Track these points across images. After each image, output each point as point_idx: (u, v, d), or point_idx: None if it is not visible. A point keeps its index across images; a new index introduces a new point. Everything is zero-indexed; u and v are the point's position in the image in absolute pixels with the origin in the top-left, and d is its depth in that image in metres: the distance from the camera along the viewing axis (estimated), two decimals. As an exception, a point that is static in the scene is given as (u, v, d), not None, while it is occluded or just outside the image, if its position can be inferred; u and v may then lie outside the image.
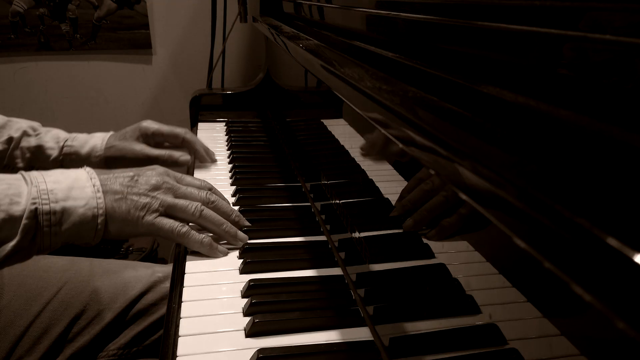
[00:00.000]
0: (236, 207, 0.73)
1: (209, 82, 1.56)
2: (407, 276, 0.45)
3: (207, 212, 0.61)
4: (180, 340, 0.47)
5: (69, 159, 0.83)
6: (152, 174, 0.61)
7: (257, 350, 0.45)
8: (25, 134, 0.83)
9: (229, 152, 0.99)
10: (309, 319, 0.49)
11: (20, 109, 1.66)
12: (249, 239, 0.65)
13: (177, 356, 0.45)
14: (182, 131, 0.88)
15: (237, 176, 0.85)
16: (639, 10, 0.22)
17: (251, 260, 0.59)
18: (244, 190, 0.79)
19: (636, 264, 0.16)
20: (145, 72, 1.69)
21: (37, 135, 0.83)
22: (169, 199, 0.60)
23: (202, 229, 0.63)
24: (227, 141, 1.07)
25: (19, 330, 0.64)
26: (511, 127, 0.29)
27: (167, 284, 0.65)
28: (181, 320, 0.49)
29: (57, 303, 0.67)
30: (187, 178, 0.65)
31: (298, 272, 0.58)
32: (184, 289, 0.55)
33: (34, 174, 0.55)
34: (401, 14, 0.47)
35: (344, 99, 0.52)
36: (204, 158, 0.91)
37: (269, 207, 0.74)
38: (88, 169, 0.59)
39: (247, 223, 0.67)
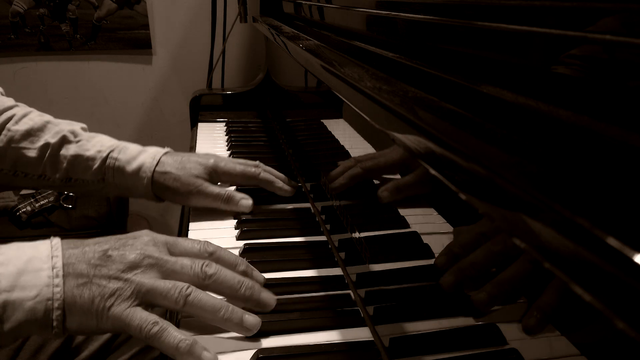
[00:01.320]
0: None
1: (209, 82, 1.56)
2: (407, 276, 0.45)
3: (196, 297, 0.46)
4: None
5: (112, 174, 0.70)
6: (132, 246, 0.47)
7: (257, 350, 0.45)
8: (64, 139, 0.70)
9: (229, 152, 0.99)
10: (309, 319, 0.49)
11: (20, 109, 1.66)
12: (249, 239, 0.65)
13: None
14: (256, 171, 0.73)
15: (237, 176, 0.85)
16: (639, 10, 0.22)
17: (251, 261, 0.59)
18: (244, 190, 0.79)
19: (636, 264, 0.16)
20: (145, 72, 1.69)
21: (77, 141, 0.71)
22: (148, 281, 0.45)
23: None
24: (227, 141, 1.07)
25: (15, 345, 0.63)
26: (511, 127, 0.29)
27: None
28: (181, 320, 0.49)
29: None
30: (183, 243, 0.51)
31: (298, 272, 0.58)
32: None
33: None
34: (401, 14, 0.47)
35: (344, 99, 0.52)
36: (287, 190, 0.75)
37: (269, 207, 0.74)
38: (55, 241, 0.46)
39: (269, 296, 0.50)
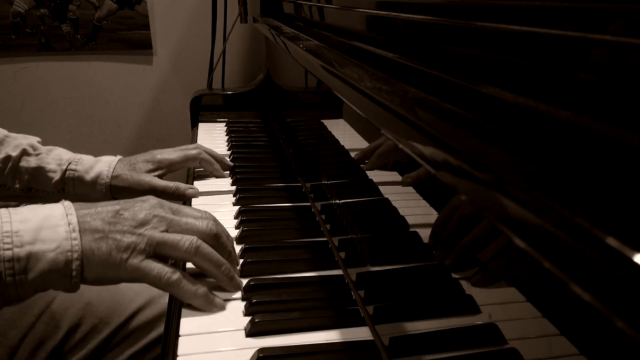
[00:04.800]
0: (236, 207, 0.73)
1: (209, 82, 1.56)
2: (407, 276, 0.45)
3: (205, 248, 0.52)
4: (180, 339, 0.47)
5: (72, 184, 0.77)
6: (141, 207, 0.52)
7: (257, 350, 0.45)
8: (24, 152, 0.76)
9: (229, 152, 0.99)
10: (309, 319, 0.49)
11: (21, 110, 1.67)
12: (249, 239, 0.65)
13: (177, 356, 0.45)
14: (196, 153, 0.84)
15: (238, 176, 0.85)
16: (639, 11, 0.22)
17: (251, 261, 0.59)
18: (244, 190, 0.79)
19: (636, 264, 0.16)
20: (145, 73, 1.69)
21: (37, 155, 0.77)
22: (158, 234, 0.50)
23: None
24: (227, 141, 1.07)
25: (14, 342, 0.63)
26: (511, 127, 0.29)
27: (166, 299, 0.59)
28: (181, 320, 0.50)
29: (51, 314, 0.65)
30: (186, 209, 0.56)
31: (298, 272, 0.59)
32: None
33: (1, 212, 0.48)
34: (401, 14, 0.47)
35: (344, 99, 0.52)
36: (221, 174, 0.88)
37: (269, 207, 0.74)
38: (66, 203, 0.51)
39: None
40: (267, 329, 0.48)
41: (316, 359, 0.45)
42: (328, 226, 0.67)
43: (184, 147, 0.85)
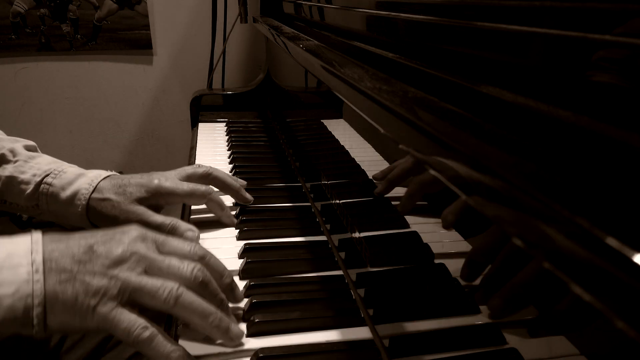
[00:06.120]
0: (237, 207, 0.73)
1: (209, 82, 1.56)
2: (407, 276, 0.45)
3: (186, 298, 0.43)
4: (180, 340, 0.47)
5: (45, 200, 0.64)
6: (119, 241, 0.45)
7: (257, 350, 0.45)
8: (2, 158, 0.65)
9: (229, 152, 0.99)
10: (309, 319, 0.49)
11: (21, 109, 1.67)
12: (250, 239, 0.65)
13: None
14: (205, 191, 0.67)
15: (238, 176, 0.85)
16: (639, 11, 0.22)
17: (251, 261, 0.59)
18: (244, 190, 0.79)
19: (635, 263, 0.16)
20: (145, 73, 1.69)
21: (15, 162, 0.65)
22: (135, 278, 0.43)
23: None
24: (227, 141, 1.07)
25: (10, 343, 0.63)
26: (511, 127, 0.29)
27: None
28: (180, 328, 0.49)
29: None
30: (173, 242, 0.48)
31: (298, 272, 0.58)
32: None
33: None
34: (401, 14, 0.47)
35: (344, 99, 0.52)
36: (231, 221, 0.69)
37: (269, 207, 0.74)
38: (35, 236, 0.43)
39: (239, 329, 0.47)
40: (267, 329, 0.48)
41: (316, 359, 0.45)
42: (328, 226, 0.67)
43: (191, 169, 0.69)
